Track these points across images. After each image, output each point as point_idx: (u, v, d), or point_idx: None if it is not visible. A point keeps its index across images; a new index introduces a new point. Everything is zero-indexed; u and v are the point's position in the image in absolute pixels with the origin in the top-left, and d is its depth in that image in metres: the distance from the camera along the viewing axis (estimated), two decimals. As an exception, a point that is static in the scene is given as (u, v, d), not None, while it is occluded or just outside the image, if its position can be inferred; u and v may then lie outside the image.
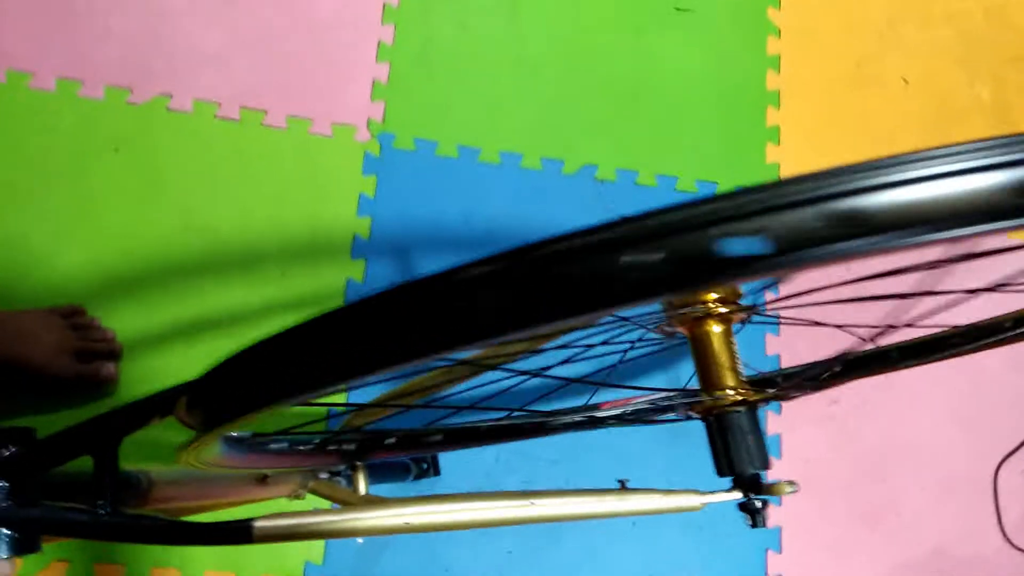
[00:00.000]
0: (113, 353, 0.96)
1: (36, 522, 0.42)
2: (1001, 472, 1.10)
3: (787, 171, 1.19)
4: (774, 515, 1.05)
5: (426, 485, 0.99)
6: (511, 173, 1.13)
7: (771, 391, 0.49)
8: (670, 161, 1.16)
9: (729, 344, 0.50)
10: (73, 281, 0.98)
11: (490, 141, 1.13)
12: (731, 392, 0.48)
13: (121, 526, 0.42)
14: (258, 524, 0.44)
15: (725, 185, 1.17)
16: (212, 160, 1.05)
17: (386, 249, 1.07)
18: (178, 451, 0.40)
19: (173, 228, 1.02)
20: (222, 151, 1.05)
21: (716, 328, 0.50)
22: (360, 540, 0.97)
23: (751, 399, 0.48)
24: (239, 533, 0.44)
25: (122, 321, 0.97)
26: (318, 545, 0.96)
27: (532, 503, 0.47)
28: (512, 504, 0.47)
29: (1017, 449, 1.13)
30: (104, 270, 0.99)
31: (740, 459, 0.47)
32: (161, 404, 0.45)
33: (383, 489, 0.96)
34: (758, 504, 0.48)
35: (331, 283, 1.05)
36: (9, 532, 0.43)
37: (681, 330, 0.51)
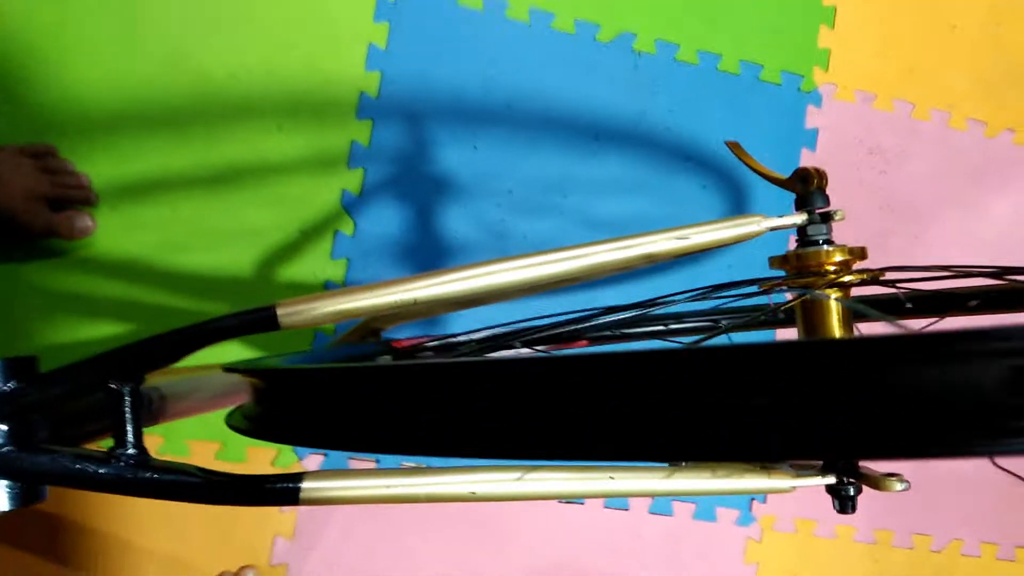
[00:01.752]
0: (88, 201, 0.86)
1: (42, 473, 0.36)
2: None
3: (839, 59, 1.09)
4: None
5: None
6: (540, 34, 1.00)
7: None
8: (715, 37, 1.05)
9: (847, 315, 0.44)
10: (43, 118, 0.86)
11: (520, -8, 0.99)
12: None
13: (147, 482, 0.36)
14: (305, 487, 0.38)
15: (771, 69, 1.06)
16: (201, -12, 0.90)
17: (395, 111, 0.96)
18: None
19: (160, 66, 0.89)
20: (213, -23, 0.91)
21: (834, 297, 0.44)
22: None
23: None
24: (284, 495, 0.38)
25: (98, 167, 0.87)
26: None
27: (611, 477, 0.42)
28: (591, 478, 0.42)
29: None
30: (79, 107, 0.87)
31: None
32: (196, 338, 0.37)
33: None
34: (851, 491, 0.44)
35: (333, 144, 0.94)
36: (10, 483, 0.36)
37: (791, 298, 0.45)
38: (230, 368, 0.36)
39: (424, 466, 0.41)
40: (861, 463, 0.44)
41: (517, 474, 0.41)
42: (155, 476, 0.36)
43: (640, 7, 1.03)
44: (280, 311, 0.39)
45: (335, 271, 0.94)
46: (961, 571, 1.08)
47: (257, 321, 0.39)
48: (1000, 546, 1.09)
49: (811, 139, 1.08)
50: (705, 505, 1.02)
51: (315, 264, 0.93)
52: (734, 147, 0.53)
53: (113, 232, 0.87)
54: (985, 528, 1.09)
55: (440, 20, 0.97)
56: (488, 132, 0.99)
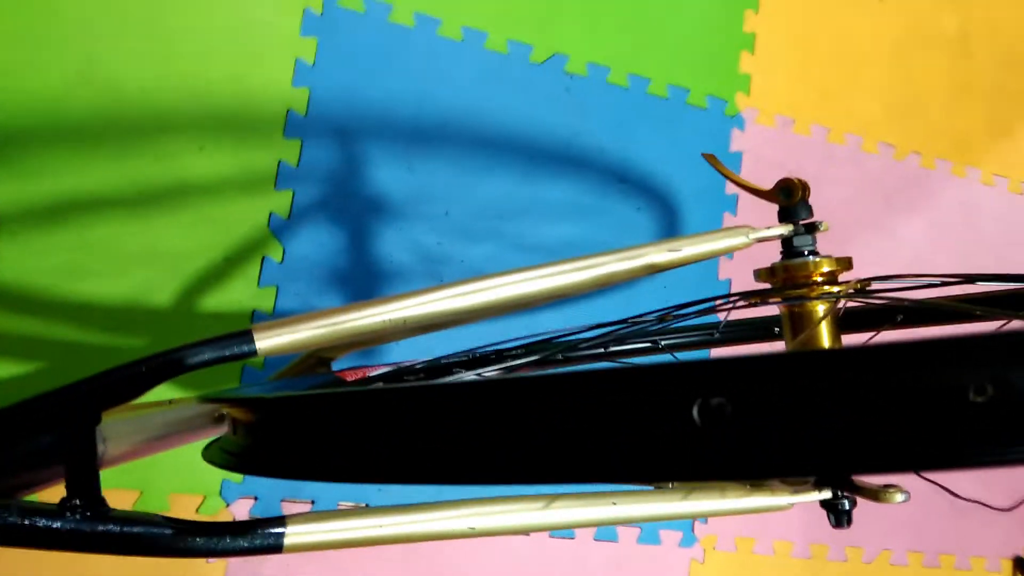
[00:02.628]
0: (-16, 228, 0.78)
1: (-20, 533, 0.30)
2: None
3: (759, 84, 1.12)
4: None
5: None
6: (473, 53, 0.99)
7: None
8: (644, 61, 1.06)
9: (835, 327, 0.43)
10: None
11: (452, 12, 0.98)
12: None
13: (108, 536, 0.31)
14: (291, 531, 0.34)
15: (697, 93, 1.09)
16: (117, 3, 0.84)
17: (325, 129, 0.92)
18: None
19: (68, 78, 0.82)
20: (126, -15, 0.85)
21: (820, 308, 0.43)
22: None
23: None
24: (266, 543, 0.34)
25: (-5, 189, 0.79)
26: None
27: (614, 503, 0.40)
28: (594, 503, 0.39)
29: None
30: (-30, 124, 0.79)
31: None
32: (162, 370, 0.33)
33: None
34: (847, 505, 0.43)
35: (260, 164, 0.89)
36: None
37: (781, 308, 0.44)
38: (208, 399, 0.32)
39: (413, 504, 0.38)
40: (856, 477, 0.43)
41: (516, 505, 0.39)
42: (117, 529, 0.31)
43: (572, 29, 1.03)
44: (258, 335, 0.35)
45: (264, 300, 0.88)
46: (892, 580, 1.11)
47: (232, 347, 0.34)
48: (925, 554, 1.13)
49: (736, 162, 1.10)
50: (649, 529, 1.01)
51: (242, 292, 0.87)
52: (711, 159, 0.52)
53: (15, 259, 0.79)
54: (910, 537, 1.13)
55: (370, 36, 0.94)
56: (422, 152, 0.96)
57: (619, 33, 1.05)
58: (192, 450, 0.84)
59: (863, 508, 1.08)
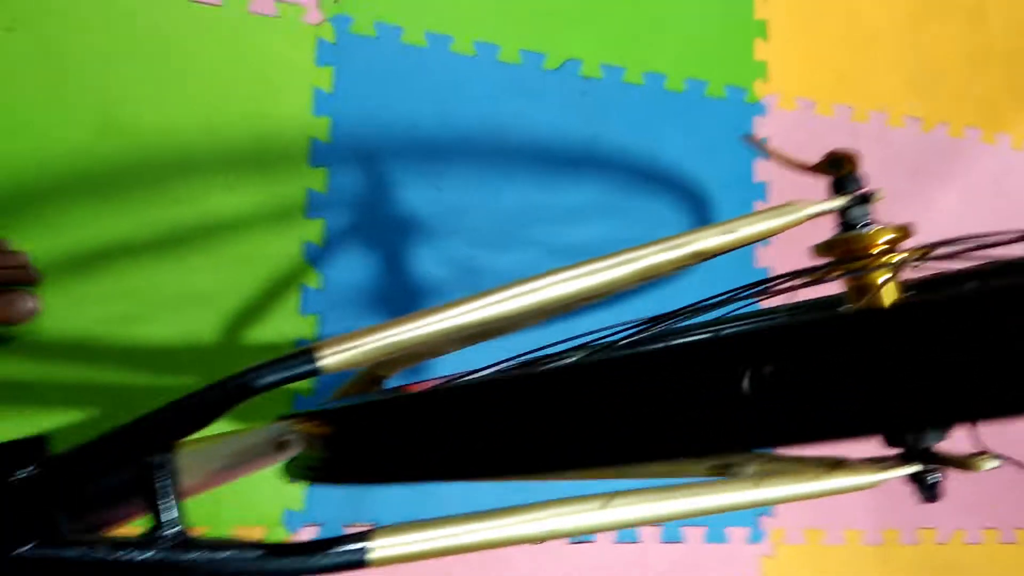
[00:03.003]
0: (30, 281, 0.78)
1: (72, 568, 0.30)
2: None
3: (777, 70, 1.11)
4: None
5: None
6: (488, 67, 0.99)
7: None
8: (658, 58, 1.06)
9: (900, 293, 0.42)
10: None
11: (463, 28, 0.98)
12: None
13: (199, 563, 0.31)
14: (377, 545, 0.34)
15: (715, 85, 1.08)
16: (132, 45, 0.85)
17: (350, 154, 0.92)
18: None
19: (89, 129, 0.83)
20: (144, 33, 0.86)
21: (884, 278, 0.42)
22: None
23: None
24: (353, 557, 0.34)
25: (36, 243, 0.79)
26: (296, 489, 0.85)
27: (694, 493, 0.39)
28: (672, 496, 0.38)
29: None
30: (9, 182, 0.80)
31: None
32: (230, 396, 0.33)
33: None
34: (935, 477, 0.42)
35: (288, 195, 0.89)
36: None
37: (846, 283, 0.43)
38: (284, 417, 0.32)
39: (489, 511, 0.37)
40: (939, 448, 0.42)
41: (597, 503, 0.38)
42: (207, 555, 0.31)
43: (582, 34, 1.03)
44: (319, 352, 0.34)
45: (306, 328, 0.88)
46: (968, 560, 1.08)
47: (296, 367, 0.34)
48: (1001, 530, 1.10)
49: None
50: (715, 527, 0.99)
51: (283, 323, 0.88)
52: (752, 141, 0.52)
53: (60, 310, 0.80)
54: (983, 515, 1.09)
55: (385, 59, 0.95)
56: (447, 168, 0.96)
57: (630, 32, 1.05)
58: (250, 484, 0.84)
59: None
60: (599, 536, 0.95)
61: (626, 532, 0.96)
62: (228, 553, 0.31)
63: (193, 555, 0.30)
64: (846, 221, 0.44)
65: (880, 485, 0.41)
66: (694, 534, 0.98)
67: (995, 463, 0.39)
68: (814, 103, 1.13)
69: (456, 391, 0.28)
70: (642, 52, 1.05)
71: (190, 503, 0.79)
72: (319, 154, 0.91)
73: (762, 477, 0.42)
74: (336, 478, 0.29)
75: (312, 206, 0.90)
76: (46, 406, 0.78)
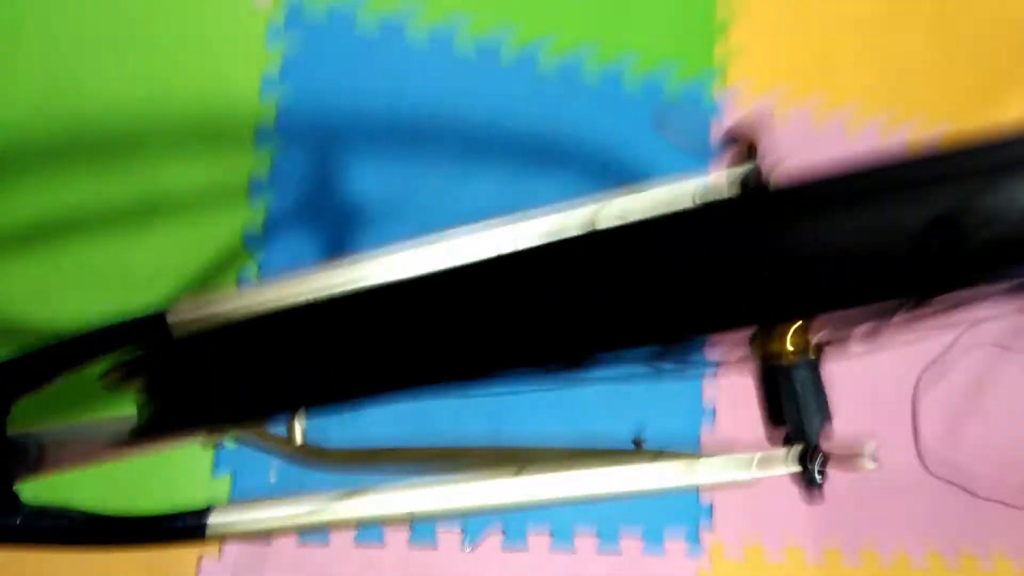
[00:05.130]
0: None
1: None
2: (922, 383, 1.09)
3: (737, 67, 1.09)
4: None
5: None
6: (443, 56, 0.97)
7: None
8: (616, 50, 1.04)
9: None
10: None
11: (419, 13, 0.96)
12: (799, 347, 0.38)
13: (20, 529, 0.29)
14: (213, 521, 0.32)
15: (674, 81, 1.06)
16: (81, 21, 0.83)
17: (297, 139, 0.90)
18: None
19: (31, 102, 0.81)
20: (94, 9, 0.84)
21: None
22: (272, 478, 0.85)
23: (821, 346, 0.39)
24: (188, 531, 0.31)
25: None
26: (223, 484, 0.83)
27: (532, 474, 0.36)
28: (517, 484, 0.36)
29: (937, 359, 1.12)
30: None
31: (809, 421, 0.39)
32: (71, 354, 0.31)
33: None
34: (817, 476, 0.39)
35: (230, 179, 0.87)
36: None
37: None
38: (107, 376, 0.30)
39: (349, 488, 0.35)
40: (826, 446, 0.39)
41: (459, 487, 0.35)
42: (28, 521, 0.28)
43: (538, 20, 1.01)
44: (173, 317, 0.32)
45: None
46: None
47: (145, 328, 0.32)
48: (945, 556, 1.07)
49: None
50: (653, 539, 0.96)
51: (214, 308, 0.85)
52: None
53: (-23, 284, 0.77)
54: (928, 538, 1.07)
55: (337, 44, 0.93)
56: (398, 156, 0.94)
57: (590, 20, 1.03)
58: (173, 471, 0.81)
59: (876, 510, 1.03)
60: (533, 544, 0.92)
61: (562, 540, 0.93)
62: (53, 520, 0.29)
63: (14, 520, 0.28)
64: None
65: (756, 482, 0.39)
66: (631, 546, 0.95)
67: (872, 463, 0.37)
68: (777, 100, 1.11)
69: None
70: (601, 43, 1.03)
71: (109, 485, 0.77)
72: (264, 138, 0.89)
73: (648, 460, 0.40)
74: (165, 429, 0.27)
75: (255, 191, 0.88)
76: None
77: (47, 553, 0.76)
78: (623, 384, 0.93)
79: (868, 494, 1.05)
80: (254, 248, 0.87)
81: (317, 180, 0.91)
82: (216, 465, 0.82)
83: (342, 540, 0.85)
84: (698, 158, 1.05)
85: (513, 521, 0.92)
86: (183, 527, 0.32)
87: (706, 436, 0.99)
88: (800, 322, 0.38)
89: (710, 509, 0.99)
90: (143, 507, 0.82)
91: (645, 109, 1.04)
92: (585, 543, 0.94)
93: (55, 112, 0.82)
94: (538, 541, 0.92)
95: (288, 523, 0.34)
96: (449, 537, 0.89)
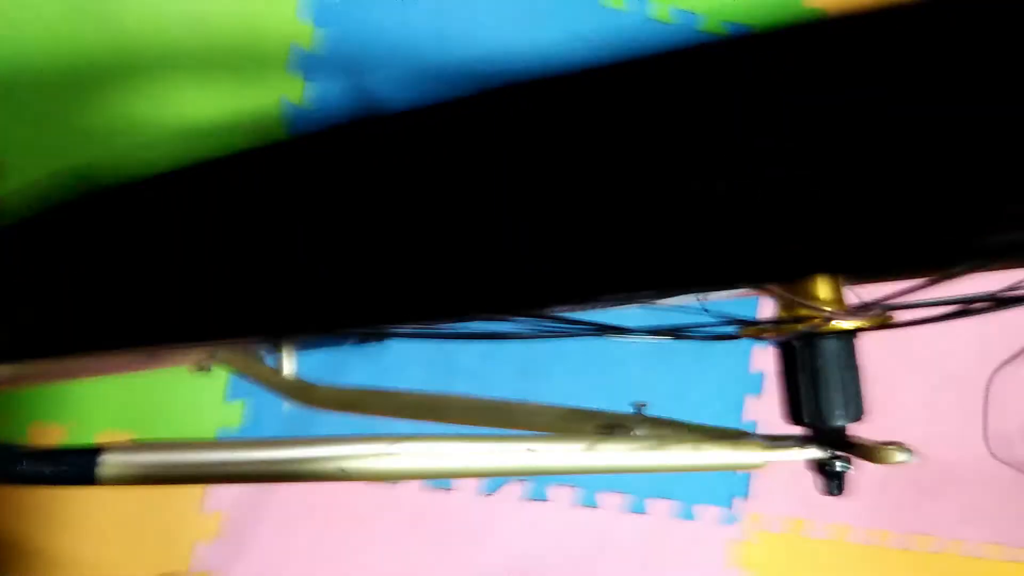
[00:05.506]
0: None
1: None
2: (995, 378, 1.01)
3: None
4: (758, 362, 0.93)
5: (371, 359, 0.85)
6: (494, -16, 0.91)
7: (879, 314, 0.34)
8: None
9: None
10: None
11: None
12: (829, 308, 0.33)
13: None
14: (106, 460, 0.29)
15: (758, 26, 0.97)
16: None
17: (333, 66, 0.86)
18: None
19: (61, 10, 0.79)
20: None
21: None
22: (286, 406, 0.83)
23: (856, 323, 0.33)
24: (76, 476, 0.28)
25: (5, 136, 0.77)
26: (235, 409, 0.82)
27: (530, 450, 0.32)
28: (504, 449, 0.32)
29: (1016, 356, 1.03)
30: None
31: (829, 405, 0.33)
32: None
33: (315, 362, 0.81)
34: (839, 467, 0.34)
35: (261, 101, 0.84)
36: None
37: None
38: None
39: (273, 439, 0.31)
40: (850, 433, 0.34)
41: (393, 445, 0.32)
42: None
43: (605, -46, 0.93)
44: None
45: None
46: (963, 574, 0.98)
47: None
48: (1003, 546, 0.99)
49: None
50: (684, 503, 0.92)
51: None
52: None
53: (15, 198, 0.77)
54: (986, 527, 0.99)
55: (382, -34, 0.87)
56: (437, 94, 0.89)
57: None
58: (187, 394, 0.81)
59: (936, 496, 0.95)
60: (556, 498, 0.89)
61: (586, 496, 0.89)
62: None
63: None
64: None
65: (765, 466, 0.34)
66: (660, 508, 0.91)
67: (905, 456, 0.31)
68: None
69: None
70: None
71: (122, 407, 0.77)
72: (299, 60, 0.85)
73: (647, 440, 0.35)
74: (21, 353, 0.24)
75: (286, 116, 0.84)
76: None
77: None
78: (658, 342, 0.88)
79: (929, 479, 0.97)
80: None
81: (352, 111, 0.87)
82: (230, 391, 0.81)
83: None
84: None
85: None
86: (69, 474, 0.29)
87: (750, 405, 0.93)
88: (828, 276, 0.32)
89: (747, 477, 0.93)
90: (158, 432, 0.81)
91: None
92: (610, 500, 0.90)
93: (83, 26, 0.80)
94: (559, 494, 0.89)
95: (192, 471, 0.31)
96: (464, 481, 0.87)
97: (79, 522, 0.77)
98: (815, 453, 0.34)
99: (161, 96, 0.81)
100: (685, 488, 0.92)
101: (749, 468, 0.34)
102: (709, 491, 0.92)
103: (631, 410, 0.41)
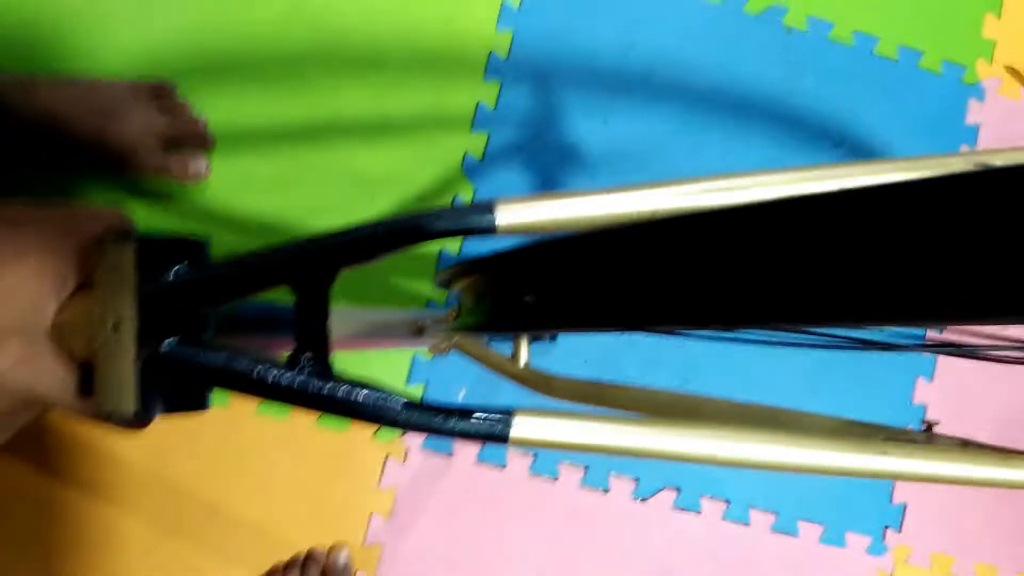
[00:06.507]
0: (204, 144, 0.81)
1: (216, 373, 0.29)
2: None
3: (1005, 52, 0.99)
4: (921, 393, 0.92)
5: (541, 352, 0.88)
6: (685, 1, 0.93)
7: None
8: (872, 18, 0.96)
9: None
10: (162, 56, 0.82)
11: (664, -42, 0.93)
12: None
13: (338, 397, 0.29)
14: (517, 427, 0.31)
15: (931, 57, 0.97)
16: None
17: (525, 73, 0.90)
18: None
19: (281, 11, 0.84)
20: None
21: None
22: (462, 394, 0.87)
23: None
24: (491, 435, 0.31)
25: (215, 111, 0.82)
26: (415, 393, 0.85)
27: (884, 452, 0.34)
28: (863, 449, 0.34)
29: None
30: (198, 49, 0.83)
31: None
32: (402, 234, 0.31)
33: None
34: None
35: (458, 104, 0.88)
36: (171, 382, 0.30)
37: None
38: (446, 271, 0.30)
39: (650, 418, 0.34)
40: None
41: (772, 436, 0.34)
42: (346, 388, 0.29)
43: (793, -20, 0.95)
44: (500, 208, 0.32)
45: (451, 241, 0.87)
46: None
47: (472, 219, 0.32)
48: None
49: (971, 135, 0.98)
50: (834, 528, 0.92)
51: (431, 229, 0.87)
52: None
53: (225, 178, 0.82)
54: None
55: (580, -19, 0.91)
56: (623, 104, 0.92)
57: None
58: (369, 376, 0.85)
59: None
60: (707, 509, 0.90)
61: (737, 511, 0.90)
62: (367, 392, 0.29)
63: (334, 385, 0.29)
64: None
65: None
66: (810, 531, 0.91)
67: None
68: (1041, 95, 1.00)
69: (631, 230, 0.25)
70: (854, 10, 0.96)
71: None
72: (495, 68, 0.89)
73: (956, 451, 0.36)
74: (502, 324, 0.27)
75: (479, 120, 0.88)
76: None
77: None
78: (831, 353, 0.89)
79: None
80: (472, 174, 0.88)
81: (541, 118, 0.90)
82: (411, 374, 0.85)
83: (517, 467, 0.87)
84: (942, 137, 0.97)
85: (689, 484, 0.90)
86: (485, 432, 0.32)
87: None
88: None
89: (902, 508, 0.93)
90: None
91: (893, 84, 0.96)
92: (760, 518, 0.91)
93: (296, 25, 0.85)
94: (711, 507, 0.90)
95: (595, 441, 0.33)
96: (621, 484, 0.89)
97: (263, 487, 0.82)
98: None
99: (365, 92, 0.86)
100: (838, 513, 0.92)
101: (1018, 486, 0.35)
102: (862, 519, 0.92)
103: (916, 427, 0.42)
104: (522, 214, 0.32)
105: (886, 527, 0.92)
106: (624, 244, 0.29)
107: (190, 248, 0.31)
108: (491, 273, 0.33)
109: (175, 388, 0.29)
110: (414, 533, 0.84)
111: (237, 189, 0.82)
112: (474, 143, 0.88)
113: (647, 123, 0.92)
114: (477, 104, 0.88)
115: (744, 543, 0.91)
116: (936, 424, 0.41)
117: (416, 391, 0.85)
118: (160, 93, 0.79)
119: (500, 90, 0.89)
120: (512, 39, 0.90)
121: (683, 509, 0.90)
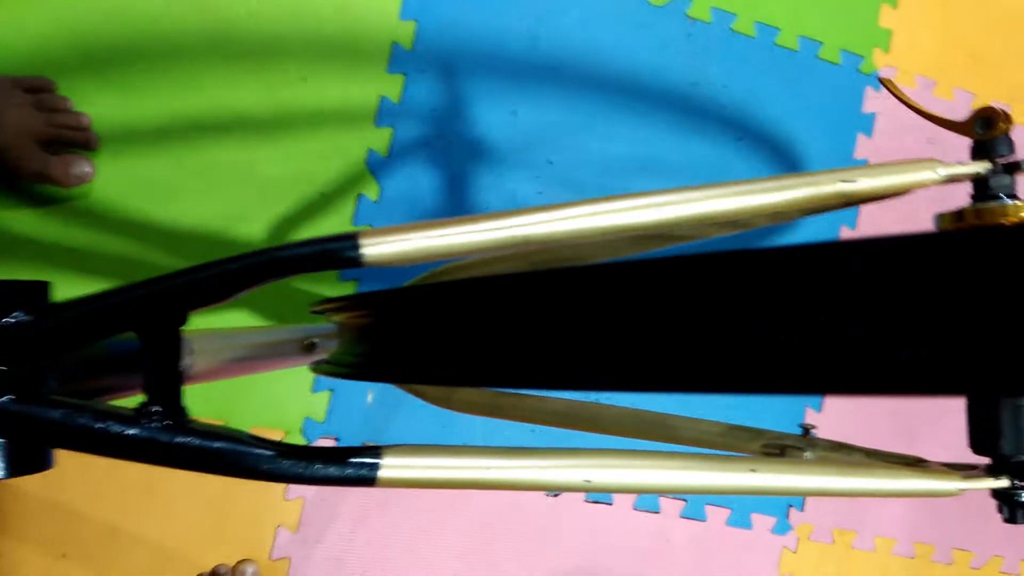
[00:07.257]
0: (87, 144, 0.76)
1: (54, 431, 0.27)
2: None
3: (900, 41, 1.02)
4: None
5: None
6: (589, -8, 0.93)
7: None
8: (773, 9, 0.98)
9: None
10: (41, 49, 0.77)
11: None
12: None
13: (188, 449, 0.28)
14: (385, 469, 0.30)
15: (830, 47, 0.99)
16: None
17: (430, 66, 0.88)
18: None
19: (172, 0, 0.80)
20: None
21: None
22: (369, 399, 0.85)
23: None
24: (358, 478, 0.30)
25: (100, 108, 0.77)
26: (321, 400, 0.83)
27: (753, 470, 0.34)
28: (731, 468, 0.34)
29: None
30: (82, 41, 0.78)
31: (1017, 438, 0.36)
32: (256, 270, 0.29)
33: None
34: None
35: (361, 98, 0.86)
36: (6, 443, 0.28)
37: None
38: (322, 305, 0.28)
39: (524, 448, 0.33)
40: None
41: (639, 461, 0.34)
42: (197, 442, 0.27)
43: (697, -29, 0.95)
44: (365, 240, 0.30)
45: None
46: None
47: (335, 253, 0.30)
48: (1047, 566, 1.03)
49: (868, 124, 1.01)
50: (740, 511, 0.94)
51: (334, 227, 0.85)
52: (889, 84, 0.46)
53: (113, 180, 0.78)
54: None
55: (483, -30, 0.89)
56: (530, 95, 0.91)
57: (748, -24, 0.97)
58: (274, 384, 0.83)
59: (980, 509, 0.99)
60: (617, 500, 0.91)
61: (647, 500, 0.92)
62: (223, 444, 0.28)
63: (184, 439, 0.27)
64: (984, 190, 0.38)
65: (961, 495, 0.36)
66: (717, 514, 0.94)
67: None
68: (934, 83, 1.04)
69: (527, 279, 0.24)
70: (757, 1, 0.97)
71: (206, 397, 0.78)
72: (399, 60, 0.87)
73: (823, 464, 0.37)
74: (373, 374, 0.26)
75: (383, 114, 0.86)
76: (82, 273, 0.77)
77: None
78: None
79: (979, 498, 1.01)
80: (377, 171, 0.86)
81: (448, 111, 0.88)
82: (316, 381, 0.83)
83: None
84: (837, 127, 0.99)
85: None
86: (352, 476, 0.31)
87: (862, 143, 0.97)
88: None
89: (806, 489, 0.96)
90: (244, 422, 0.83)
91: (794, 74, 0.98)
92: (670, 505, 0.93)
93: (189, 14, 0.81)
94: (622, 498, 0.92)
95: (463, 476, 0.33)
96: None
97: (163, 505, 0.79)
98: (1004, 483, 0.36)
99: (263, 85, 0.83)
100: (743, 497, 0.94)
101: (940, 495, 0.36)
102: (766, 500, 0.95)
103: (798, 430, 0.43)
104: (393, 247, 0.31)
105: (789, 506, 0.95)
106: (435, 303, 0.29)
107: (27, 291, 0.28)
108: (372, 311, 0.32)
109: (13, 448, 0.27)
110: (323, 545, 0.83)
111: (125, 193, 0.78)
112: (378, 138, 0.86)
113: (556, 113, 0.91)
114: (381, 97, 0.86)
115: (655, 530, 0.92)
116: (814, 428, 0.42)
117: (322, 399, 0.83)
118: (37, 89, 0.74)
119: (404, 82, 0.87)
120: (416, 29, 0.87)
121: (595, 502, 0.91)
